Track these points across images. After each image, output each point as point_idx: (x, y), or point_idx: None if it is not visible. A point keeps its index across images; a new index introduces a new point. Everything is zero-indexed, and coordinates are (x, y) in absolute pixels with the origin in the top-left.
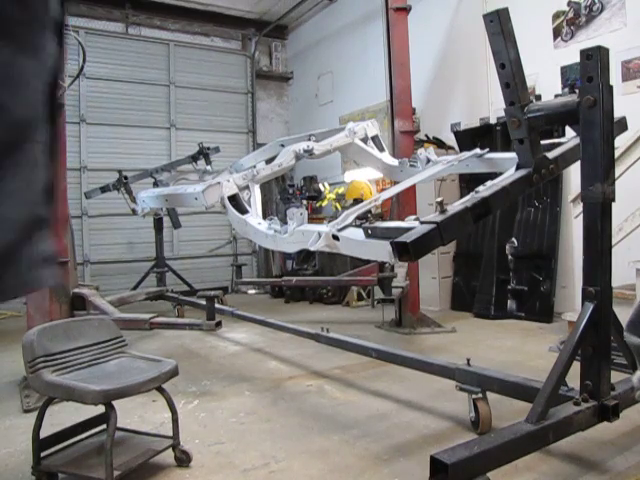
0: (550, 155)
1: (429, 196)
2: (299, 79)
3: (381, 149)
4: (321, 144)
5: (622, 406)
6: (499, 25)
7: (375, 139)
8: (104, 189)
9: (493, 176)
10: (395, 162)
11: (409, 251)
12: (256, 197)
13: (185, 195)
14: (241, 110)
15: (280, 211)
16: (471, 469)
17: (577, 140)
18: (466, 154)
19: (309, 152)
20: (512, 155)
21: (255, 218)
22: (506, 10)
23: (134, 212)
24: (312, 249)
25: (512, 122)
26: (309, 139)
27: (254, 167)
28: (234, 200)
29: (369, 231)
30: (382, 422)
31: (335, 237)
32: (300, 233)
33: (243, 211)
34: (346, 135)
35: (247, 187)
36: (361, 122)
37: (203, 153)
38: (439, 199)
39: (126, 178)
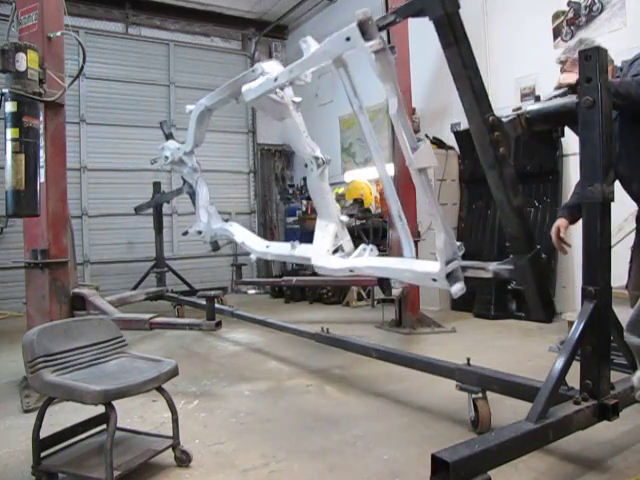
0: None
1: None
2: None
3: None
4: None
5: (622, 405)
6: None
7: None
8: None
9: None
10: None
11: None
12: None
13: None
14: (241, 110)
15: (280, 211)
16: (472, 467)
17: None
18: None
19: None
20: None
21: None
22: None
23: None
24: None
25: None
26: None
27: None
28: None
29: None
30: (382, 422)
31: None
32: None
33: None
34: None
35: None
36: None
37: None
38: None
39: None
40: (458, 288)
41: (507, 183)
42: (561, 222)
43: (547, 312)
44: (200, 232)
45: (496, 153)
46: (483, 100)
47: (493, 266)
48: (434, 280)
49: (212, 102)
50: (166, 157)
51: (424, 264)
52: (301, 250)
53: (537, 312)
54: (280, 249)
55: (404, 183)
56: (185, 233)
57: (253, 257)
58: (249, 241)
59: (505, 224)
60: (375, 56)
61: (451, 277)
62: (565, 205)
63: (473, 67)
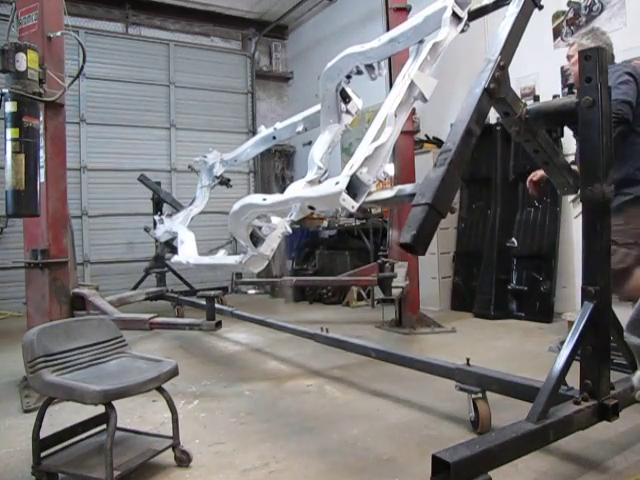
0: None
1: None
2: (299, 79)
3: None
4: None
5: (622, 405)
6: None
7: None
8: None
9: (493, 176)
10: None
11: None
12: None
13: None
14: (241, 110)
15: None
16: (473, 468)
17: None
18: None
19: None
20: None
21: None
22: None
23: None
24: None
25: None
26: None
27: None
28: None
29: None
30: (382, 422)
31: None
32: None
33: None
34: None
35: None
36: None
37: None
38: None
39: None
40: (350, 200)
41: (477, 109)
42: (540, 171)
43: (416, 244)
44: (162, 222)
45: (488, 82)
46: (511, 45)
47: (399, 186)
48: (337, 183)
49: (283, 126)
50: (204, 155)
51: None
52: (219, 256)
53: (406, 235)
54: (201, 259)
55: (404, 182)
56: (146, 229)
57: (173, 259)
58: (185, 249)
59: (448, 138)
60: (451, 17)
61: (355, 185)
62: None
63: (525, 21)
